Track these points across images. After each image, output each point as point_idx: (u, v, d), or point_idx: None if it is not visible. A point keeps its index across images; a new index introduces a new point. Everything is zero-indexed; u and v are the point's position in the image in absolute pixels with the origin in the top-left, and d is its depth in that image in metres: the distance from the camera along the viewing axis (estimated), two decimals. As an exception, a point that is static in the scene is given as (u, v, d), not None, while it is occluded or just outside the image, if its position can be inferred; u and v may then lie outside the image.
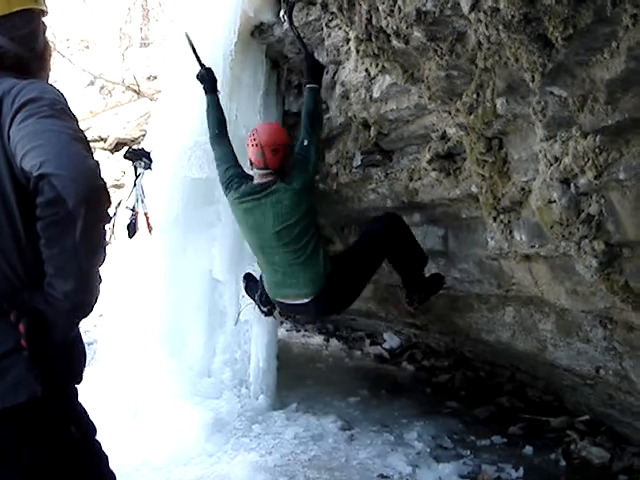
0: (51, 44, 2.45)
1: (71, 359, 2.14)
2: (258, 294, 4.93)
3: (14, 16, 2.21)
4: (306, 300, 4.56)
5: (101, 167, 1.93)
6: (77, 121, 2.05)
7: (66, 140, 1.88)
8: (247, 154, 4.51)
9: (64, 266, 1.89)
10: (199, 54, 4.92)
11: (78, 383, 2.19)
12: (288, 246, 4.46)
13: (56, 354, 2.00)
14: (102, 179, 1.90)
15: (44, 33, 2.36)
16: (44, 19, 2.36)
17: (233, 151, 4.72)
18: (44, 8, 2.35)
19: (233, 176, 4.59)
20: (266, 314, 5.09)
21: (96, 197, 1.86)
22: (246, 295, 5.23)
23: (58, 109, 1.98)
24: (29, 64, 2.25)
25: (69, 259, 1.87)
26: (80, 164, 1.85)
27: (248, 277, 5.18)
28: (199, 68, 4.92)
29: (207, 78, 4.89)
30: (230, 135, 4.71)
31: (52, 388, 1.98)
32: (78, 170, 1.83)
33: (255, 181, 4.51)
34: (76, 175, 1.81)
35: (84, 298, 1.96)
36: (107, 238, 1.95)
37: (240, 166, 4.66)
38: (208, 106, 4.87)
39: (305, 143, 4.50)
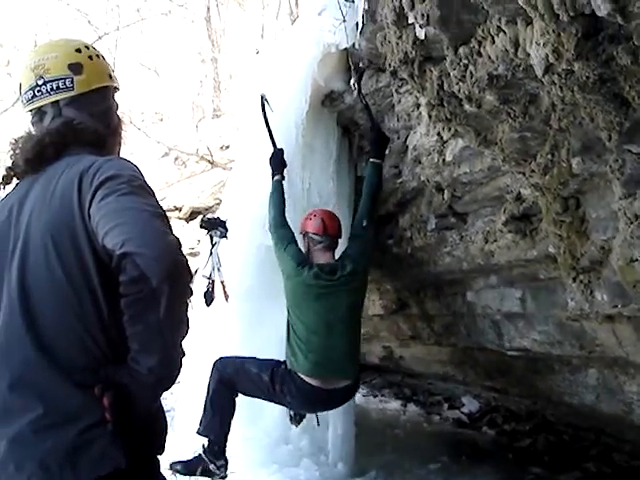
0: (127, 118, 2.56)
1: (154, 430, 2.15)
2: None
3: (92, 93, 2.32)
4: (346, 383, 4.56)
5: (181, 242, 1.96)
6: (155, 196, 2.10)
7: (147, 218, 1.93)
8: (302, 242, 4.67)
9: (149, 342, 1.92)
10: (273, 134, 5.03)
11: (160, 454, 2.20)
12: (352, 324, 4.50)
13: (139, 425, 2.01)
14: (183, 255, 1.94)
15: (117, 109, 2.47)
16: (116, 95, 2.47)
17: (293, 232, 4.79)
18: (117, 85, 2.47)
19: (304, 258, 4.62)
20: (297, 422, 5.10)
21: (179, 273, 1.90)
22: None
23: (136, 185, 2.03)
24: (105, 140, 2.34)
25: (154, 335, 1.90)
26: (162, 241, 1.89)
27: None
28: (272, 148, 5.02)
29: (277, 160, 4.98)
30: (304, 204, 4.78)
31: (135, 459, 1.99)
32: (160, 248, 1.87)
33: (319, 261, 4.56)
34: (159, 253, 1.85)
35: (168, 372, 1.97)
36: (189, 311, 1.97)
37: None
38: (273, 190, 4.92)
39: (364, 224, 4.58)
